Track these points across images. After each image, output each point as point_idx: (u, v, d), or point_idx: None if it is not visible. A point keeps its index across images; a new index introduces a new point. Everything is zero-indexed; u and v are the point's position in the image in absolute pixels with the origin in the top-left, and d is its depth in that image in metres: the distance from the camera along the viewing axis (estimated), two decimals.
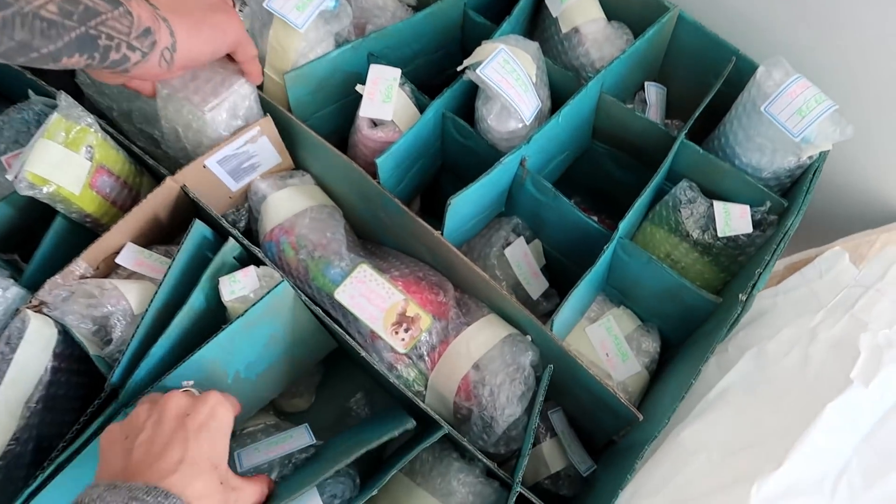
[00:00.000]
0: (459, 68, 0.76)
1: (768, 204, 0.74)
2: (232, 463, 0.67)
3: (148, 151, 0.77)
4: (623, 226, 0.72)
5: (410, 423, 0.66)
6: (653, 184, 0.74)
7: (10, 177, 0.65)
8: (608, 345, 0.79)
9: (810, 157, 0.73)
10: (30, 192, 0.65)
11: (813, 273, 0.78)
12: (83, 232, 0.75)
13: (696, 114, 0.76)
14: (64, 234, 0.73)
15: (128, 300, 0.68)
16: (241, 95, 0.72)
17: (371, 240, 0.87)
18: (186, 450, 0.51)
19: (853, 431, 0.58)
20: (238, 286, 0.67)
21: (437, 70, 0.94)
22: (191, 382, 0.60)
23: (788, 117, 0.69)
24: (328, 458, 0.67)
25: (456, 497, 0.69)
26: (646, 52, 0.83)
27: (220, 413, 0.55)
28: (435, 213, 1.00)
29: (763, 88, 0.71)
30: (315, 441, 0.68)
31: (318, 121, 0.86)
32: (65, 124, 0.67)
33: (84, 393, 0.76)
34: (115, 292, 0.67)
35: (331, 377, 0.92)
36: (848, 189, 0.88)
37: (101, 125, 0.71)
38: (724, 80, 0.80)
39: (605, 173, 0.91)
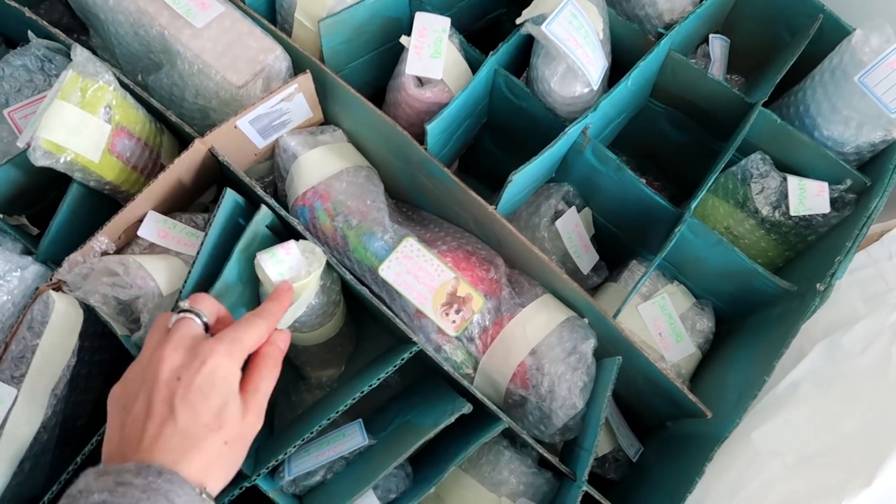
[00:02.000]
0: (519, 20, 0.68)
1: (848, 182, 0.69)
2: (281, 469, 0.63)
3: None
4: (694, 206, 0.66)
5: (466, 407, 0.63)
6: (726, 156, 0.68)
7: (21, 143, 0.58)
8: (661, 324, 0.75)
9: None
10: (46, 162, 0.58)
11: (881, 253, 0.73)
12: (100, 197, 0.68)
13: (777, 79, 0.69)
14: (81, 201, 0.66)
15: (155, 280, 0.62)
16: (276, 70, 0.64)
17: (406, 201, 0.81)
18: (177, 419, 0.45)
19: None
20: (284, 267, 0.61)
21: (480, 13, 0.85)
22: (185, 304, 0.51)
23: (886, 90, 0.63)
24: (379, 449, 0.64)
25: (506, 486, 0.66)
26: (719, 4, 0.75)
27: (218, 369, 0.48)
28: (470, 169, 0.94)
29: (858, 55, 0.64)
30: (369, 440, 0.64)
31: (351, 71, 0.78)
32: (81, 82, 0.59)
33: (106, 369, 0.71)
34: (142, 272, 0.61)
35: (358, 339, 0.88)
36: None
37: (119, 80, 0.63)
38: (794, 36, 0.73)
39: (658, 132, 0.85)
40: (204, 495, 0.44)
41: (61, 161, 0.58)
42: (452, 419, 0.62)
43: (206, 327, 0.52)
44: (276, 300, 0.58)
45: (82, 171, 0.61)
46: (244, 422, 0.49)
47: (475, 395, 0.64)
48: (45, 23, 0.68)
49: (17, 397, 0.58)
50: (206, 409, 0.47)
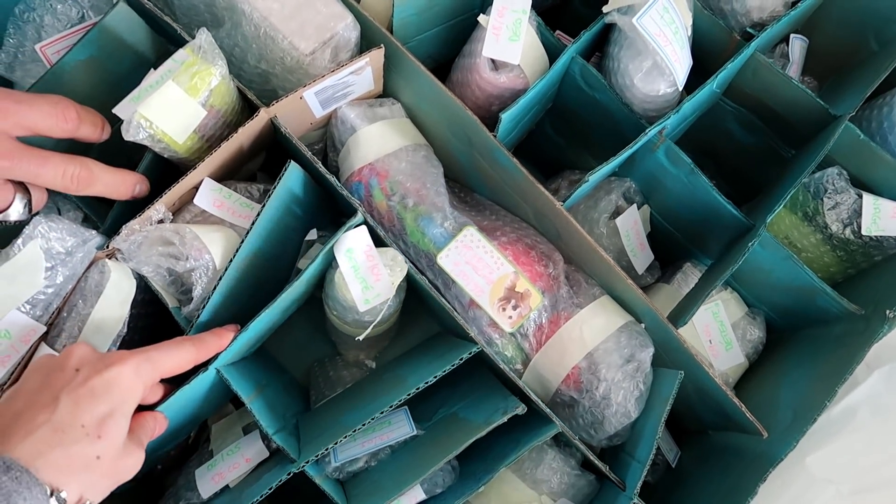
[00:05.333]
0: (605, 9, 0.64)
1: None
2: (327, 455, 0.62)
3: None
4: (768, 219, 0.64)
5: (521, 408, 0.61)
6: (806, 170, 0.66)
7: (119, 113, 0.55)
8: (712, 331, 0.73)
9: None
10: (133, 137, 0.55)
11: None
12: (167, 165, 0.66)
13: (867, 94, 0.66)
14: (152, 170, 0.63)
15: (211, 253, 0.60)
16: (345, 39, 0.61)
17: (458, 181, 0.78)
18: (56, 410, 0.42)
19: None
20: (372, 294, 0.60)
21: None
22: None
23: None
24: (426, 441, 0.63)
25: (547, 485, 0.66)
26: (810, 5, 0.71)
27: (120, 378, 0.46)
28: (523, 151, 0.91)
29: None
30: (417, 431, 0.63)
31: (417, 44, 0.74)
32: (195, 66, 0.56)
33: (148, 335, 0.69)
34: (197, 243, 0.59)
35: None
36: None
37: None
38: (882, 46, 0.69)
39: (723, 130, 0.82)
40: (54, 500, 0.40)
41: (148, 136, 0.56)
42: (505, 419, 0.61)
43: None
44: (218, 336, 0.56)
45: (163, 147, 0.59)
46: (122, 458, 0.46)
47: (528, 394, 0.63)
48: None
49: None
50: (89, 410, 0.43)
